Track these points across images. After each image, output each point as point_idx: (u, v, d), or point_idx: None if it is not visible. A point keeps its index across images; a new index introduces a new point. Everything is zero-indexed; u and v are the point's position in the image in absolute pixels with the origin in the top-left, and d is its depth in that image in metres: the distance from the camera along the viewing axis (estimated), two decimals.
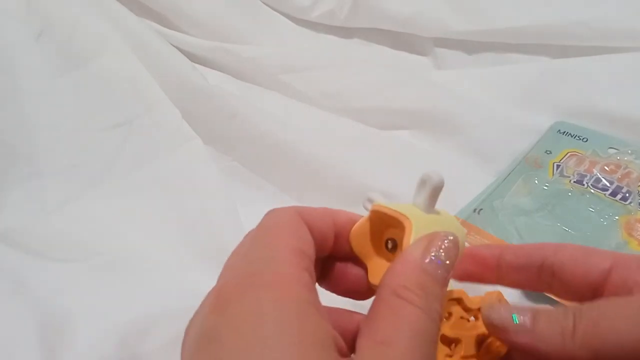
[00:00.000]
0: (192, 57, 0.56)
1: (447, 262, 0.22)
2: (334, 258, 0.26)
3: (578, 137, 0.46)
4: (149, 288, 0.37)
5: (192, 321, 0.22)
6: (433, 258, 0.22)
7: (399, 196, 0.41)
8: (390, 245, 0.25)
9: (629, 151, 0.43)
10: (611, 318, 0.20)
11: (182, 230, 0.41)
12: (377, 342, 0.19)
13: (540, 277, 0.24)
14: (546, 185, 0.42)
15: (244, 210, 0.42)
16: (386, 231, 0.25)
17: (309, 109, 0.53)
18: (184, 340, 0.21)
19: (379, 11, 0.60)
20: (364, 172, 0.43)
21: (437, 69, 0.59)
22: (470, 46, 0.59)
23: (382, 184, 0.42)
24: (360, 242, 0.25)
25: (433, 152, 0.49)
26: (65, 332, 0.34)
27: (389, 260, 0.24)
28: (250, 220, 0.41)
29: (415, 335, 0.19)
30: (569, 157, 0.45)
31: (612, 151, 0.44)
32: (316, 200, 0.44)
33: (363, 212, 0.26)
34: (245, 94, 0.54)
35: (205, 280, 0.37)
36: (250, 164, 0.48)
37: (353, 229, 0.25)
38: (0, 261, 0.38)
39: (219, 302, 0.20)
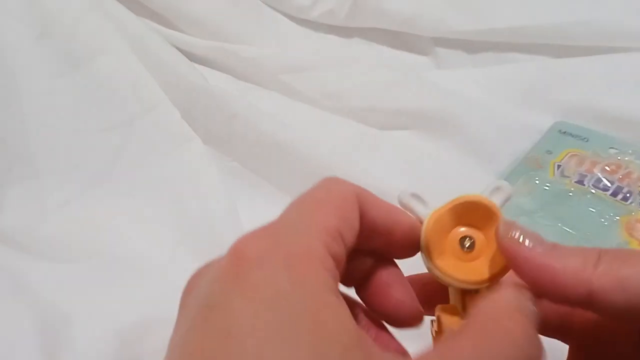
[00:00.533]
0: (192, 57, 0.56)
1: None
2: (379, 267, 0.23)
3: (579, 137, 0.46)
4: (149, 288, 0.37)
5: (199, 275, 0.20)
6: None
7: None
8: (467, 244, 0.23)
9: (630, 151, 0.43)
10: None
11: (182, 231, 0.41)
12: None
13: None
14: (547, 186, 0.42)
15: (244, 210, 0.42)
16: (454, 230, 0.23)
17: (309, 109, 0.53)
18: (185, 293, 0.20)
19: (379, 11, 0.60)
20: (364, 172, 0.43)
21: (437, 68, 0.59)
22: (470, 46, 0.59)
23: (382, 184, 0.42)
24: (438, 238, 0.23)
25: (433, 152, 0.49)
26: (65, 332, 0.34)
27: (465, 260, 0.23)
28: (250, 220, 0.41)
29: None
30: (569, 157, 0.45)
31: (613, 151, 0.44)
32: None
33: None
34: (245, 94, 0.54)
35: None
36: (250, 164, 0.48)
37: (430, 223, 0.23)
38: (0, 261, 0.38)
39: (236, 264, 0.18)
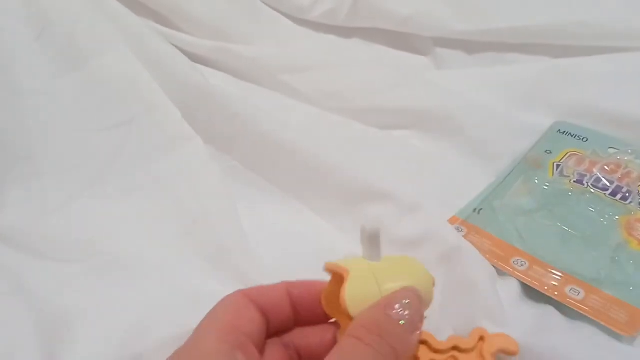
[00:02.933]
0: (192, 57, 0.56)
1: (407, 312, 0.22)
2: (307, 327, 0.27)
3: (578, 137, 0.46)
4: (149, 288, 0.37)
5: None
6: (397, 307, 0.22)
7: (399, 196, 0.41)
8: None
9: (629, 151, 0.43)
10: None
11: (182, 230, 0.41)
12: None
13: None
14: (546, 185, 0.42)
15: (244, 210, 0.42)
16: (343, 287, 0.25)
17: (309, 109, 0.53)
18: None
19: (379, 11, 0.60)
20: (364, 172, 0.43)
21: (437, 69, 0.59)
22: (470, 46, 0.59)
23: (382, 184, 0.42)
24: (328, 303, 0.26)
25: (433, 152, 0.49)
26: (65, 332, 0.34)
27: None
28: (251, 220, 0.41)
29: None
30: (569, 157, 0.45)
31: (612, 151, 0.44)
32: (316, 199, 0.44)
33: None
34: (245, 93, 0.54)
35: (205, 280, 0.38)
36: (250, 164, 0.48)
37: (323, 292, 0.26)
38: (0, 261, 0.38)
39: None
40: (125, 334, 0.33)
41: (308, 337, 0.27)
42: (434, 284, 0.26)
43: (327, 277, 0.26)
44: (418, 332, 0.23)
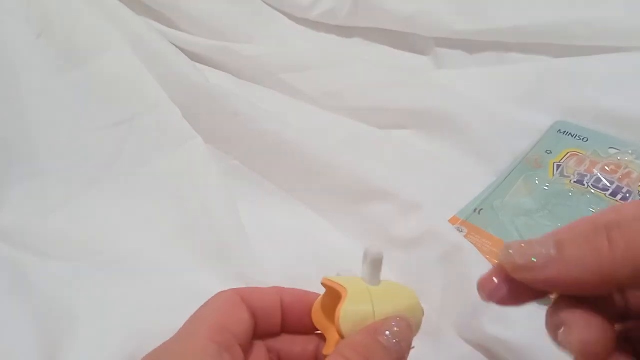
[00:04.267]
0: (193, 57, 0.56)
1: (395, 340, 0.23)
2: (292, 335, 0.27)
3: (578, 137, 0.46)
4: (149, 287, 0.37)
5: None
6: (387, 334, 0.23)
7: (399, 196, 0.41)
8: None
9: (630, 151, 0.43)
10: None
11: (182, 230, 0.41)
12: None
13: None
14: (547, 186, 0.42)
15: (244, 209, 0.42)
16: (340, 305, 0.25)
17: (309, 109, 0.53)
18: None
19: (380, 10, 0.60)
20: (364, 172, 0.43)
21: (437, 68, 0.59)
22: (470, 46, 0.59)
23: (383, 183, 0.42)
24: (318, 316, 0.26)
25: (433, 152, 0.49)
26: (65, 331, 0.34)
27: None
28: (251, 219, 0.41)
29: None
30: (569, 157, 0.45)
31: (612, 151, 0.44)
32: (316, 199, 0.44)
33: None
34: (245, 93, 0.54)
35: (205, 279, 0.38)
36: (251, 163, 0.48)
37: (314, 304, 0.26)
38: (0, 260, 0.38)
39: None
40: (125, 333, 0.33)
41: (292, 345, 0.27)
42: (423, 314, 0.27)
43: (320, 287, 0.26)
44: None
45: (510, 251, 0.20)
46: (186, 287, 0.37)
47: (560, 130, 0.48)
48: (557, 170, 0.44)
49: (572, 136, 0.47)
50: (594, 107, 0.49)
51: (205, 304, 0.26)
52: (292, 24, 0.64)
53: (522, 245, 0.20)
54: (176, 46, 0.56)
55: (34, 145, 0.45)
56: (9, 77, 0.47)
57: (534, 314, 0.35)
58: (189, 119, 0.47)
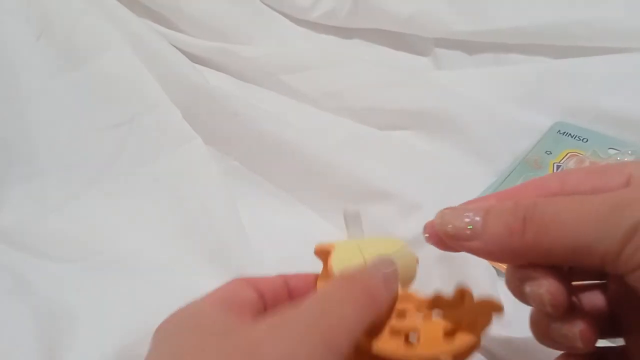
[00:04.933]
0: (193, 57, 0.56)
1: (384, 272, 0.23)
2: None
3: (578, 137, 0.46)
4: (149, 287, 0.37)
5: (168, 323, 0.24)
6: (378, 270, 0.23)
7: (399, 196, 0.41)
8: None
9: (629, 152, 0.43)
10: (566, 217, 0.19)
11: (182, 230, 0.41)
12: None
13: None
14: None
15: (244, 209, 0.42)
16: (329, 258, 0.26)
17: (309, 109, 0.53)
18: (155, 336, 0.24)
19: (379, 11, 0.60)
20: (364, 172, 0.43)
21: (437, 69, 0.59)
22: (470, 46, 0.59)
23: (382, 184, 0.42)
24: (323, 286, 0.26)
25: (433, 152, 0.49)
26: (65, 331, 0.34)
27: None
28: (251, 219, 0.41)
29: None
30: (569, 157, 0.45)
31: (612, 152, 0.44)
32: (316, 199, 0.44)
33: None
34: (245, 94, 0.54)
35: (205, 280, 0.38)
36: (250, 164, 0.48)
37: (317, 280, 0.27)
38: (1, 260, 0.38)
39: (153, 338, 0.23)
40: (125, 334, 0.33)
41: None
42: (417, 262, 0.27)
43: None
44: (392, 290, 0.23)
45: (443, 217, 0.22)
46: (186, 287, 0.37)
47: (560, 130, 0.47)
48: (557, 170, 0.44)
49: (572, 137, 0.47)
50: (594, 108, 0.49)
51: (217, 288, 0.26)
52: (292, 25, 0.64)
53: (454, 212, 0.22)
54: (176, 47, 0.56)
55: (34, 146, 0.45)
56: (9, 78, 0.47)
57: None
58: (189, 119, 0.47)
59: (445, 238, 0.23)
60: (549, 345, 0.23)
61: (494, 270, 0.37)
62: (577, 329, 0.21)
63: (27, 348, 0.33)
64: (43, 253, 0.39)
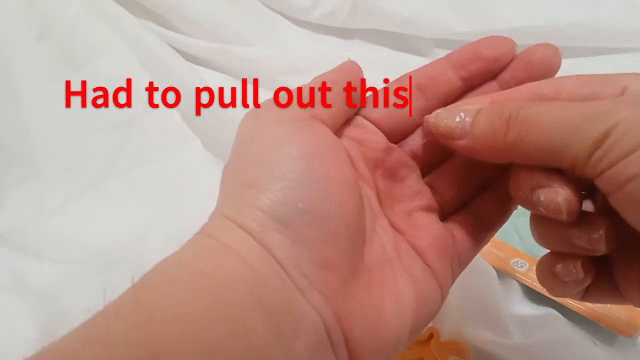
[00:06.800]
0: (192, 59, 0.56)
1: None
2: None
3: None
4: None
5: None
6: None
7: None
8: None
9: None
10: (545, 121, 0.20)
11: (182, 232, 0.41)
12: None
13: None
14: None
15: None
16: None
17: None
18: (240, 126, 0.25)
19: (379, 12, 0.60)
20: None
21: None
22: None
23: None
24: None
25: None
26: (64, 332, 0.34)
27: None
28: None
29: None
30: None
31: None
32: None
33: None
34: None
35: None
36: None
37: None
38: (0, 261, 0.38)
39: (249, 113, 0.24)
40: None
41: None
42: None
43: None
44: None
45: (437, 116, 0.24)
46: None
47: None
48: None
49: None
50: None
51: None
52: (292, 26, 0.64)
53: (447, 112, 0.23)
54: (175, 49, 0.56)
55: (33, 148, 0.45)
56: (7, 79, 0.47)
57: (534, 315, 0.35)
58: (188, 121, 0.47)
59: (437, 135, 0.24)
60: (553, 287, 0.24)
61: (494, 272, 0.37)
62: (601, 230, 0.21)
63: (27, 348, 0.33)
64: (43, 254, 0.39)
